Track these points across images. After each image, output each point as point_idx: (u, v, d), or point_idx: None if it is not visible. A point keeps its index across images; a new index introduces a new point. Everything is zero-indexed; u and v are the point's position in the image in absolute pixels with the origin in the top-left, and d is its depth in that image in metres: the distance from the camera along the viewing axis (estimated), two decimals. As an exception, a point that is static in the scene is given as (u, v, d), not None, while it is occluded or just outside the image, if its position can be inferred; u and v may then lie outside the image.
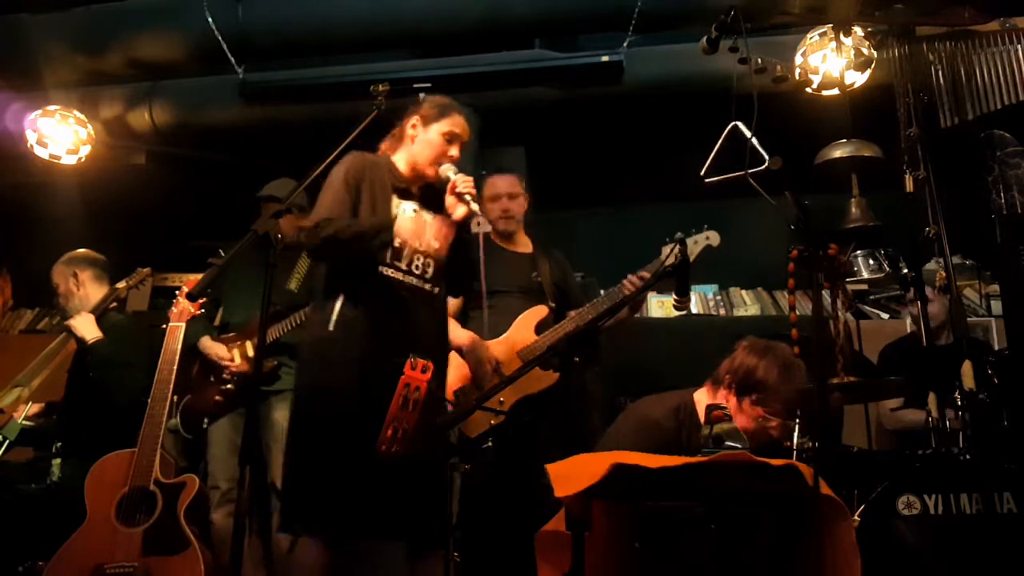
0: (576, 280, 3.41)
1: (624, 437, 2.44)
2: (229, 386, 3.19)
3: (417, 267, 2.39)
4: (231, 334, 3.28)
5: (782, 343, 2.46)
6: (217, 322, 3.43)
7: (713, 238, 2.97)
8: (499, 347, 3.00)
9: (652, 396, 2.63)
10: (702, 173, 2.24)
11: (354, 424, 2.17)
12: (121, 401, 3.05)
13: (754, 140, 2.06)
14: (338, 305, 2.29)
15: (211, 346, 3.24)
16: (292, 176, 3.47)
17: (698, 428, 2.43)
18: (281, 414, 3.21)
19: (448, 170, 2.36)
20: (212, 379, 3.23)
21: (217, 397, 3.19)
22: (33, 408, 3.31)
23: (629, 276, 2.96)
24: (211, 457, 3.17)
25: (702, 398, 2.50)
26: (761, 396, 2.36)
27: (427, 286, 2.41)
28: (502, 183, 3.28)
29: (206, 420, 3.20)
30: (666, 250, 2.94)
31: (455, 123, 2.43)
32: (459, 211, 2.32)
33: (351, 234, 2.25)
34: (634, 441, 2.38)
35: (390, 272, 2.34)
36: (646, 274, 2.91)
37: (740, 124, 2.16)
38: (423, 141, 2.43)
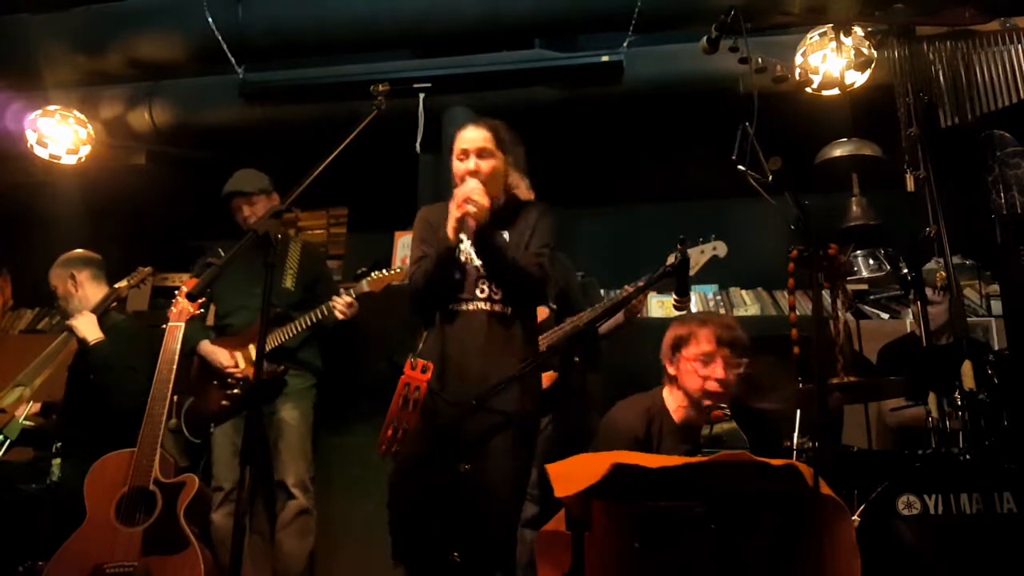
0: (577, 282, 3.40)
1: (601, 439, 2.52)
2: (236, 391, 3.17)
3: (483, 291, 2.38)
4: (232, 337, 3.27)
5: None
6: (210, 322, 3.41)
7: (720, 249, 2.96)
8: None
9: (630, 397, 2.66)
10: (734, 157, 2.20)
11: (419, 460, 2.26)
12: (121, 404, 3.04)
13: (754, 141, 2.05)
14: (422, 341, 2.38)
15: (212, 351, 3.22)
16: (285, 175, 3.46)
17: (670, 422, 2.52)
18: (288, 413, 3.20)
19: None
20: (216, 383, 3.23)
21: (224, 402, 3.17)
22: (34, 408, 3.30)
23: (634, 284, 2.96)
24: (215, 459, 3.16)
25: (668, 392, 2.58)
26: (688, 346, 2.45)
27: (498, 307, 2.39)
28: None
29: (213, 424, 3.19)
30: (672, 259, 2.94)
31: (460, 140, 2.43)
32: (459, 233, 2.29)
33: (431, 264, 2.32)
34: (607, 442, 2.46)
35: (455, 306, 2.37)
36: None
37: (748, 125, 2.15)
38: (455, 171, 2.44)
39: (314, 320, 3.16)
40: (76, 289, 3.31)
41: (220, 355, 3.21)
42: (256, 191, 3.33)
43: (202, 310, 3.18)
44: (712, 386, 2.43)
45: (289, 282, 3.30)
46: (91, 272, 3.35)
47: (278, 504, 3.15)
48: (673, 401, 2.55)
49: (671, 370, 2.54)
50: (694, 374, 2.44)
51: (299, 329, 3.17)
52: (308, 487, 3.17)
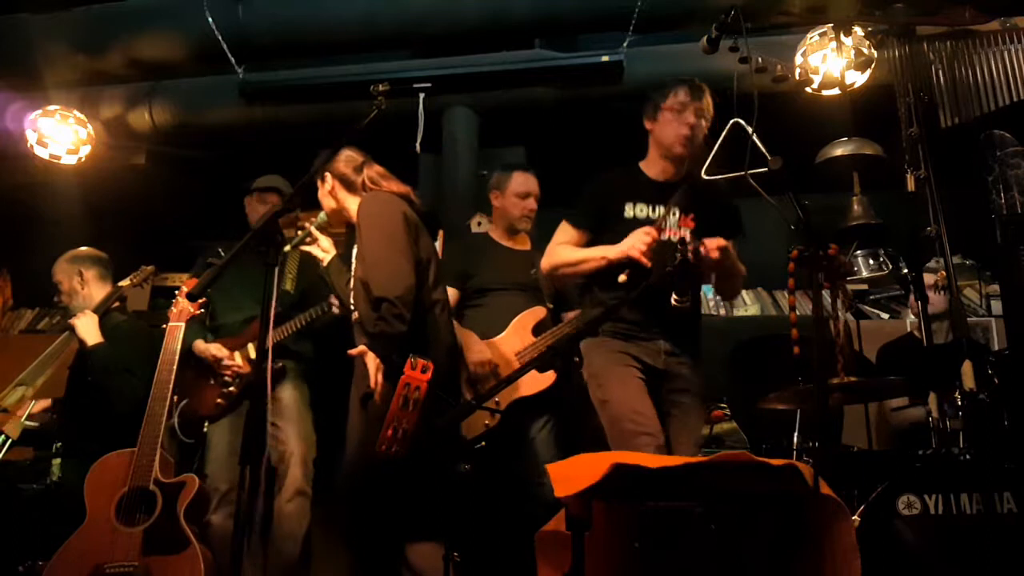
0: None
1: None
2: (231, 388, 3.16)
3: None
4: (227, 338, 3.25)
5: None
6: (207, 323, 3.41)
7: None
8: (496, 347, 2.99)
9: None
10: (703, 172, 2.23)
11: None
12: (120, 407, 3.03)
13: (755, 138, 2.06)
14: None
15: (207, 348, 3.20)
16: (286, 174, 3.47)
17: (647, 182, 2.74)
18: (287, 393, 3.19)
19: None
20: (211, 381, 3.21)
21: (219, 400, 3.16)
22: (37, 406, 3.29)
23: None
24: (211, 459, 3.13)
25: (647, 159, 2.80)
26: (667, 98, 2.69)
27: None
28: (533, 183, 3.25)
29: (207, 423, 3.18)
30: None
31: None
32: None
33: None
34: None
35: None
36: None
37: (741, 121, 2.16)
38: None
39: (309, 319, 3.16)
40: (82, 287, 3.29)
41: (213, 348, 3.19)
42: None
43: (202, 310, 3.17)
44: (683, 131, 2.60)
45: (288, 285, 3.29)
46: (99, 271, 3.33)
47: (277, 483, 3.09)
48: (651, 165, 2.77)
49: (648, 125, 2.74)
50: (668, 125, 2.63)
51: (295, 328, 3.17)
52: (309, 466, 3.13)
